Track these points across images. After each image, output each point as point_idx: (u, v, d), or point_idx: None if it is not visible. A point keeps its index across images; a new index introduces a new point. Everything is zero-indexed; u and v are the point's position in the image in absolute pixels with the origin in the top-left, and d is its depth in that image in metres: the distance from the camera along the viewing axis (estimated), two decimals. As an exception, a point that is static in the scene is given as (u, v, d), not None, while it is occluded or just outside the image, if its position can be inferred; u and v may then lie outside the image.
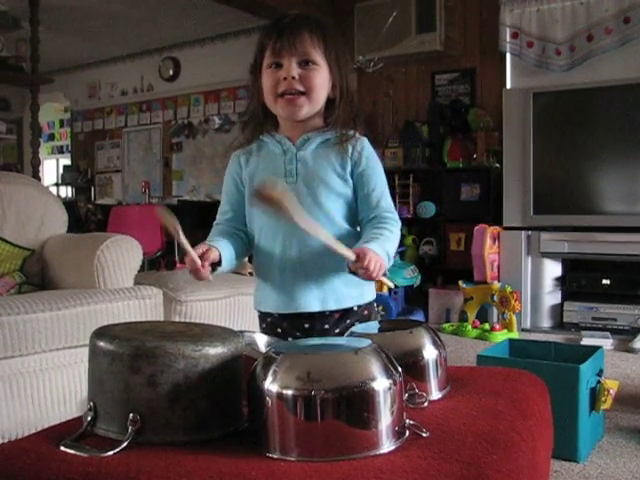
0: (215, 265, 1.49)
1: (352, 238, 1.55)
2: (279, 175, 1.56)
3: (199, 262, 1.42)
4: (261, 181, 1.50)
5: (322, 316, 1.58)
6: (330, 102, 1.58)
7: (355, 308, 1.61)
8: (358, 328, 1.34)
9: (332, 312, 1.58)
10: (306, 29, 1.52)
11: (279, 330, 1.62)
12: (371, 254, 1.40)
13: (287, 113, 1.55)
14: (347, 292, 1.58)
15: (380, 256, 1.43)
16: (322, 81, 1.53)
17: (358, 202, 1.59)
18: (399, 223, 1.59)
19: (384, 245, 1.48)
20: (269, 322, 1.65)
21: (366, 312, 1.63)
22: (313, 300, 1.56)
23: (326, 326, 1.59)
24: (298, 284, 1.56)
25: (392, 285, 1.59)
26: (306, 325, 1.60)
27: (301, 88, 1.51)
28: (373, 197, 1.57)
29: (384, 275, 1.48)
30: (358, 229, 1.62)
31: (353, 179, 1.57)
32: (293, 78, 1.50)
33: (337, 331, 1.58)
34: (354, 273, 1.43)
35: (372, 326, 1.41)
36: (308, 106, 1.53)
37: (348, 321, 1.59)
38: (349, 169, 1.56)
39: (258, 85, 1.59)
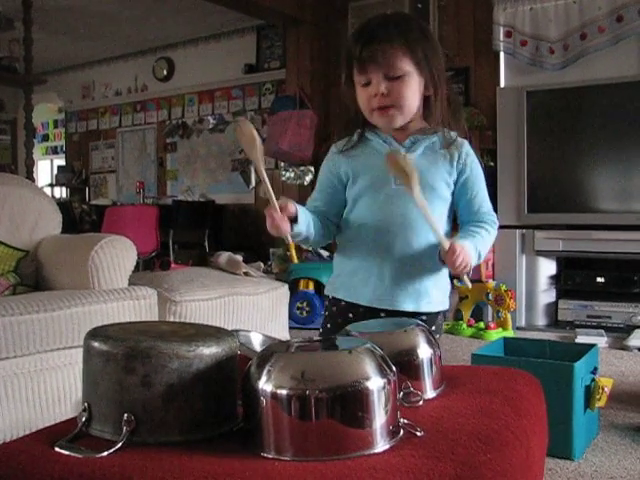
0: (292, 222, 1.50)
1: (449, 232, 1.63)
2: (386, 175, 1.56)
3: (279, 214, 1.44)
4: (396, 150, 1.55)
5: (397, 312, 1.60)
6: (427, 98, 1.61)
7: (440, 314, 1.67)
8: (353, 327, 1.34)
9: (418, 313, 1.60)
10: (386, 39, 1.52)
11: (350, 315, 1.65)
12: (462, 250, 1.47)
13: (383, 124, 1.60)
14: (437, 297, 1.62)
15: (470, 254, 1.50)
16: (412, 90, 1.55)
17: (460, 207, 1.64)
18: (497, 224, 1.65)
19: (477, 244, 1.55)
20: (342, 307, 1.67)
21: (439, 317, 1.68)
22: (408, 299, 1.60)
23: None
24: (396, 281, 1.58)
25: (469, 286, 1.66)
26: (382, 314, 1.61)
27: (390, 103, 1.54)
28: (475, 203, 1.63)
29: (467, 274, 1.55)
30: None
31: (457, 185, 1.62)
32: (382, 95, 1.53)
33: None
34: (442, 261, 1.51)
35: (367, 325, 1.41)
36: (401, 116, 1.57)
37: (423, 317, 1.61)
38: (454, 176, 1.62)
39: (352, 96, 1.61)
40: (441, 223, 1.59)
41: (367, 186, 1.62)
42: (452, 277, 1.66)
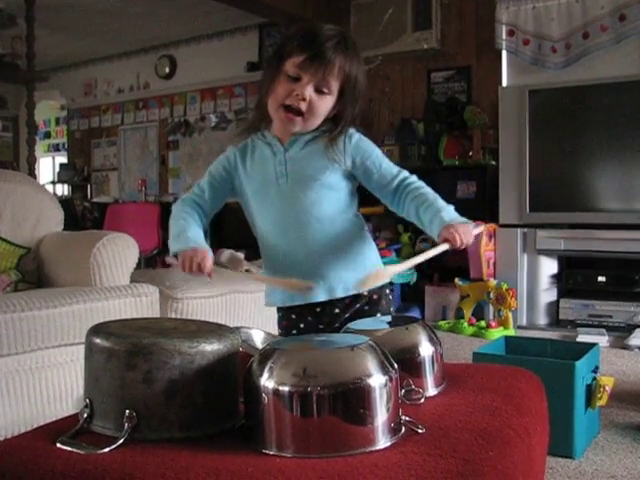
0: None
1: (354, 224, 1.65)
2: (271, 177, 1.61)
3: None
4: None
5: (331, 302, 1.63)
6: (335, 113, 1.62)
7: (365, 293, 1.65)
8: (355, 324, 1.35)
9: (341, 298, 1.63)
10: (339, 59, 1.52)
11: (293, 316, 1.70)
12: (455, 232, 1.45)
13: (282, 125, 1.59)
14: (354, 279, 1.59)
15: (458, 221, 1.48)
16: (327, 108, 1.57)
17: (373, 187, 1.63)
18: (414, 176, 1.63)
19: (445, 206, 1.53)
20: (283, 310, 1.72)
21: (375, 296, 1.68)
22: (319, 292, 1.61)
23: (336, 310, 1.65)
24: (304, 278, 1.58)
25: (481, 229, 1.66)
26: (317, 309, 1.66)
27: (304, 110, 1.54)
28: (384, 173, 1.61)
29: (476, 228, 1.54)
30: (358, 214, 1.69)
31: (357, 170, 1.61)
32: (303, 99, 1.52)
33: (347, 315, 1.64)
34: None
35: (368, 322, 1.41)
36: (302, 126, 1.58)
37: (357, 305, 1.66)
38: (348, 163, 1.60)
39: (270, 84, 1.59)
40: (337, 217, 1.61)
41: (254, 191, 1.65)
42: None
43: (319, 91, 1.53)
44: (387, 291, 1.72)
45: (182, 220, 1.63)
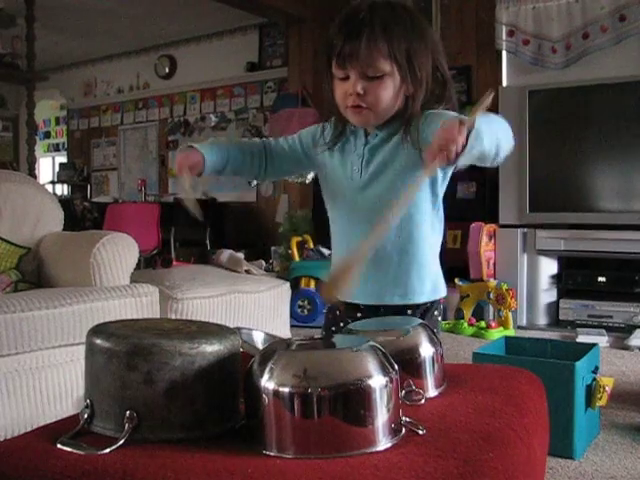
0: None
1: (434, 214, 1.55)
2: (347, 171, 1.56)
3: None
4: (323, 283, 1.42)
5: (391, 309, 1.56)
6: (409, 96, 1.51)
7: (432, 306, 1.60)
8: (355, 325, 1.34)
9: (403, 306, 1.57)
10: (370, 36, 1.42)
11: (337, 312, 1.64)
12: (438, 137, 1.22)
13: (356, 123, 1.54)
14: (420, 287, 1.55)
15: (450, 124, 1.22)
16: (389, 92, 1.46)
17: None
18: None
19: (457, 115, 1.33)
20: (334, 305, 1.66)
21: (433, 310, 1.61)
22: (393, 296, 1.55)
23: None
24: (376, 278, 1.54)
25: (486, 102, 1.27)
26: (359, 314, 1.59)
27: (365, 104, 1.46)
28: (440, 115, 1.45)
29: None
30: (439, 211, 1.58)
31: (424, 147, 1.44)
32: (358, 94, 1.45)
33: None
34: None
35: (369, 323, 1.41)
36: (375, 118, 1.50)
37: (409, 311, 1.57)
38: (421, 142, 1.46)
39: (331, 88, 1.53)
40: (418, 207, 1.52)
41: (334, 189, 1.61)
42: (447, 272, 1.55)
43: (369, 77, 1.44)
44: (440, 302, 1.64)
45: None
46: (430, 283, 1.59)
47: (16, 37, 5.62)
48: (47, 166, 10.16)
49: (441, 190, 1.57)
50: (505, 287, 4.43)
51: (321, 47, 1.54)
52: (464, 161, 1.26)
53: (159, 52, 7.91)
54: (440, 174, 1.54)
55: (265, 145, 1.67)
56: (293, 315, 4.44)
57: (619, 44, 4.60)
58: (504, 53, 5.11)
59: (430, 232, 1.57)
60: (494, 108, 4.90)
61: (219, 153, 1.59)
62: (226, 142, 1.64)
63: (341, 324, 1.63)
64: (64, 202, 4.43)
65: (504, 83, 5.13)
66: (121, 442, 0.97)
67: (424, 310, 1.60)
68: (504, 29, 5.01)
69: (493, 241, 4.68)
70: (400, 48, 1.44)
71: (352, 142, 1.58)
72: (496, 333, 4.25)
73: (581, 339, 3.98)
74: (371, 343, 1.03)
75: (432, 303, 1.60)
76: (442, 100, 1.53)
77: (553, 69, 4.85)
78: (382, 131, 1.54)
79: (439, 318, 1.66)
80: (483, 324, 4.49)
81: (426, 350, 1.25)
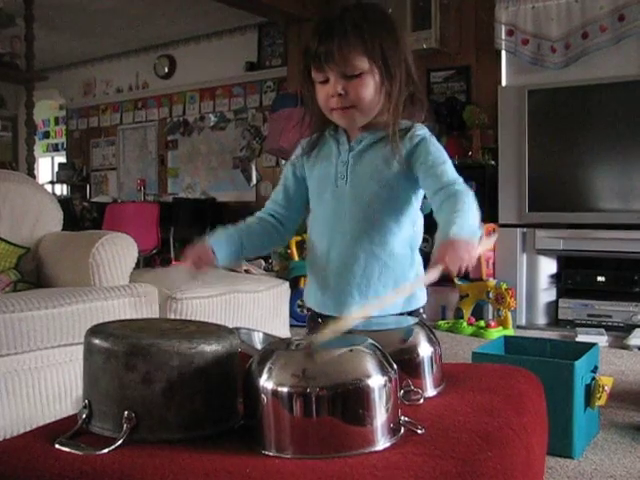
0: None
1: (405, 239, 1.55)
2: (330, 177, 1.55)
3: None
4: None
5: None
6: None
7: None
8: (354, 325, 1.34)
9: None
10: (343, 35, 1.44)
11: (319, 320, 1.63)
12: (446, 252, 1.24)
13: (343, 124, 1.54)
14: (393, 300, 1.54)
15: (462, 236, 1.27)
16: (370, 89, 1.47)
17: (422, 179, 1.49)
18: (470, 191, 1.43)
19: (466, 217, 1.34)
20: (312, 311, 1.66)
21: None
22: (355, 308, 1.51)
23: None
24: (341, 289, 1.54)
25: (492, 240, 1.43)
26: None
27: (348, 104, 1.47)
28: (437, 170, 1.46)
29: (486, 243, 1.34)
30: (416, 228, 1.59)
31: (413, 168, 1.49)
32: (340, 95, 1.46)
33: None
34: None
35: (367, 323, 1.41)
36: (361, 116, 1.50)
37: None
38: (409, 163, 1.49)
39: (313, 95, 1.54)
40: (394, 214, 1.52)
41: (314, 189, 1.60)
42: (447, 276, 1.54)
43: (349, 77, 1.45)
44: (421, 310, 1.65)
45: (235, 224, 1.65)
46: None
47: (15, 37, 5.62)
48: (46, 166, 10.15)
49: (419, 204, 1.59)
50: (504, 286, 4.43)
51: (300, 55, 1.54)
52: None
53: (158, 52, 7.90)
54: (408, 188, 1.54)
55: (275, 215, 1.67)
56: (292, 315, 4.43)
57: (618, 44, 4.60)
58: (503, 53, 5.10)
59: (409, 250, 1.58)
60: (493, 108, 4.91)
61: (232, 246, 1.60)
62: (239, 230, 1.65)
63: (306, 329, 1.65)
64: (63, 202, 4.44)
65: (503, 83, 5.12)
66: (119, 442, 0.97)
67: None
68: (503, 29, 5.01)
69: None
70: (374, 44, 1.45)
71: (335, 149, 1.57)
72: (495, 332, 4.25)
73: (580, 339, 3.98)
74: (370, 343, 1.03)
75: (409, 314, 1.57)
76: (415, 101, 1.55)
77: (552, 69, 4.85)
78: (366, 137, 1.54)
79: (424, 315, 1.67)
80: (482, 323, 4.49)
81: (425, 350, 1.25)
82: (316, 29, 1.49)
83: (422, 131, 1.53)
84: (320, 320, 1.63)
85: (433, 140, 1.53)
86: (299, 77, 1.58)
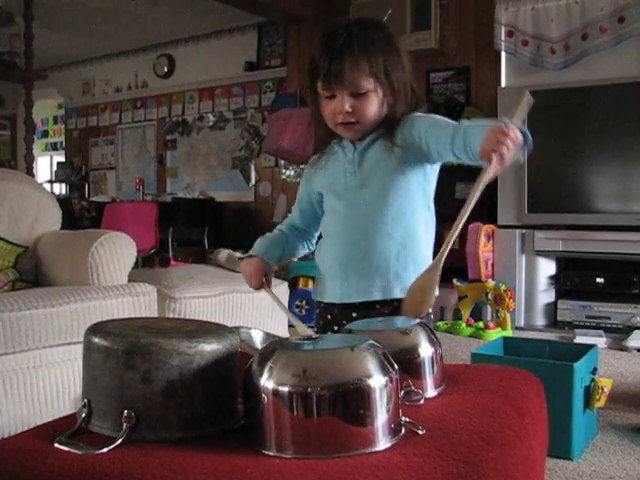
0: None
1: (419, 222, 1.62)
2: (340, 176, 1.65)
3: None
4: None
5: (369, 310, 1.60)
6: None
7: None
8: (355, 325, 1.34)
9: (384, 304, 1.61)
10: (351, 56, 1.52)
11: (329, 317, 1.71)
12: (500, 138, 1.24)
13: (347, 137, 1.64)
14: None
15: (497, 126, 1.27)
16: (374, 106, 1.57)
17: (434, 146, 1.52)
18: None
19: (489, 122, 1.35)
20: (321, 308, 1.74)
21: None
22: (378, 292, 1.61)
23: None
24: (362, 275, 1.61)
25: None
26: (354, 314, 1.64)
27: (354, 119, 1.57)
28: (436, 126, 1.54)
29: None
30: (430, 210, 1.66)
31: (420, 145, 1.55)
32: (347, 112, 1.55)
33: None
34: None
35: (369, 323, 1.41)
36: (363, 130, 1.60)
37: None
38: (412, 144, 1.56)
39: (318, 108, 1.64)
40: (406, 200, 1.59)
41: (330, 194, 1.69)
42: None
43: (357, 95, 1.55)
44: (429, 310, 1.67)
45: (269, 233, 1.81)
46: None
47: (14, 35, 5.61)
48: (45, 165, 10.14)
49: (431, 189, 1.67)
50: (503, 288, 4.43)
51: (306, 70, 1.61)
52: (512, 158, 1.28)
53: (158, 51, 7.89)
54: (430, 173, 1.64)
55: (302, 226, 1.82)
56: (291, 315, 4.42)
57: (618, 45, 4.60)
58: (503, 54, 5.11)
59: (424, 230, 1.64)
60: (493, 109, 4.91)
61: (276, 252, 1.78)
62: (276, 238, 1.80)
63: (335, 327, 1.67)
64: (62, 201, 4.43)
65: (503, 84, 5.13)
66: (119, 441, 0.96)
67: None
68: (503, 30, 5.01)
69: (491, 242, 4.68)
70: (379, 65, 1.55)
71: (341, 152, 1.67)
72: (494, 334, 4.24)
73: (579, 340, 3.97)
74: (371, 342, 1.03)
75: None
76: (416, 107, 1.64)
77: (552, 70, 4.85)
78: (368, 136, 1.63)
79: (432, 316, 1.71)
80: (481, 325, 4.49)
81: (425, 350, 1.25)
82: (324, 46, 1.56)
83: (414, 115, 1.61)
84: (329, 317, 1.70)
85: (419, 113, 1.61)
86: (307, 94, 1.68)
